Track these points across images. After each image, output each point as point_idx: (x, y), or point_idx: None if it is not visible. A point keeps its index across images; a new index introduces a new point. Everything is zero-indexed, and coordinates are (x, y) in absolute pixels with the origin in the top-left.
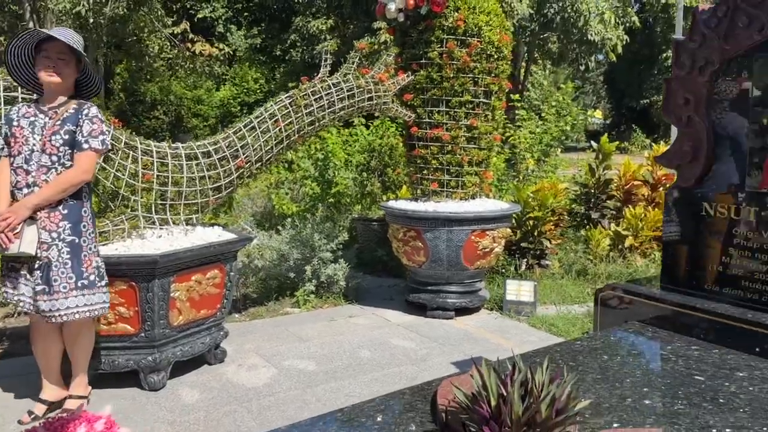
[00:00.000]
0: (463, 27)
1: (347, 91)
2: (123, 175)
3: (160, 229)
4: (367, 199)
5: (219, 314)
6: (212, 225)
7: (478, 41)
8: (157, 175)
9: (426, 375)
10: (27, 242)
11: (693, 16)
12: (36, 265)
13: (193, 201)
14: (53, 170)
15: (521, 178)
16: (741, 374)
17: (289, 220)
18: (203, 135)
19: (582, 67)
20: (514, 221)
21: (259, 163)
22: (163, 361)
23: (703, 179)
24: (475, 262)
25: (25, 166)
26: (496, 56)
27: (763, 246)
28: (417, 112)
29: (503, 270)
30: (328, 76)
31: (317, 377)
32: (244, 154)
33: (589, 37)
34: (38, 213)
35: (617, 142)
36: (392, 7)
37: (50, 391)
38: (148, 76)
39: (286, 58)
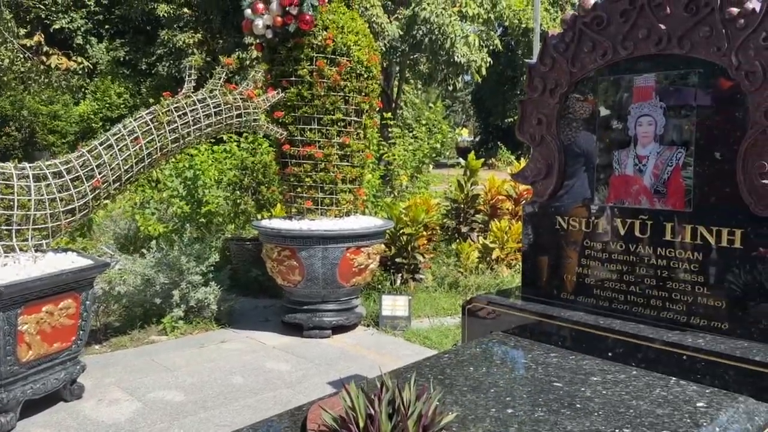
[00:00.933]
0: (332, 46)
1: (214, 107)
2: None
3: (5, 256)
4: (241, 218)
5: (74, 347)
6: (66, 250)
7: (347, 60)
8: (1, 198)
9: (301, 398)
10: None
11: (543, 41)
12: None
13: (43, 225)
14: None
15: (396, 194)
16: (595, 378)
17: (155, 242)
18: (61, 152)
19: (450, 87)
20: (388, 237)
21: (118, 183)
22: (12, 401)
23: (557, 194)
24: (351, 279)
25: None
26: (365, 75)
27: (611, 256)
28: (289, 129)
29: (379, 286)
30: (193, 92)
31: (185, 408)
32: (100, 174)
33: (456, 58)
34: None
35: (484, 159)
36: (260, 23)
37: None
38: None
39: (152, 72)
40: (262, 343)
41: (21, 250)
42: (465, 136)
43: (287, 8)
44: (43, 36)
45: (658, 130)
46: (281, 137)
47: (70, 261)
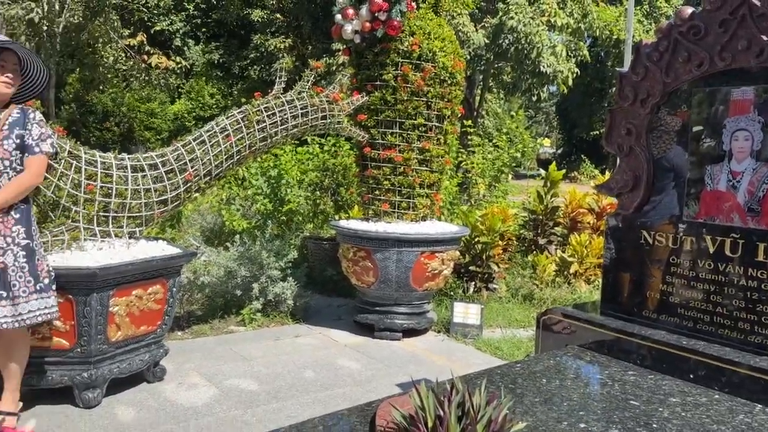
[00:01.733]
0: (418, 51)
1: (301, 108)
2: (65, 184)
3: (102, 241)
4: (320, 218)
5: (159, 331)
6: (156, 239)
7: (432, 66)
8: (101, 186)
9: (370, 396)
10: None
11: (636, 49)
12: None
13: (138, 214)
14: (5, 174)
15: (473, 202)
16: (674, 400)
17: (238, 236)
18: (155, 148)
19: (534, 98)
20: (463, 244)
21: (208, 178)
22: (99, 377)
23: (643, 208)
24: (424, 284)
25: None
26: (449, 81)
27: (698, 275)
28: (370, 132)
29: (451, 292)
30: (282, 93)
31: (259, 397)
32: (192, 168)
33: (542, 68)
34: None
35: (565, 170)
36: (348, 28)
37: None
38: (101, 87)
39: (244, 75)
40: (335, 341)
41: (116, 236)
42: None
43: (376, 14)
44: (145, 36)
45: (755, 145)
46: (363, 140)
47: (160, 249)
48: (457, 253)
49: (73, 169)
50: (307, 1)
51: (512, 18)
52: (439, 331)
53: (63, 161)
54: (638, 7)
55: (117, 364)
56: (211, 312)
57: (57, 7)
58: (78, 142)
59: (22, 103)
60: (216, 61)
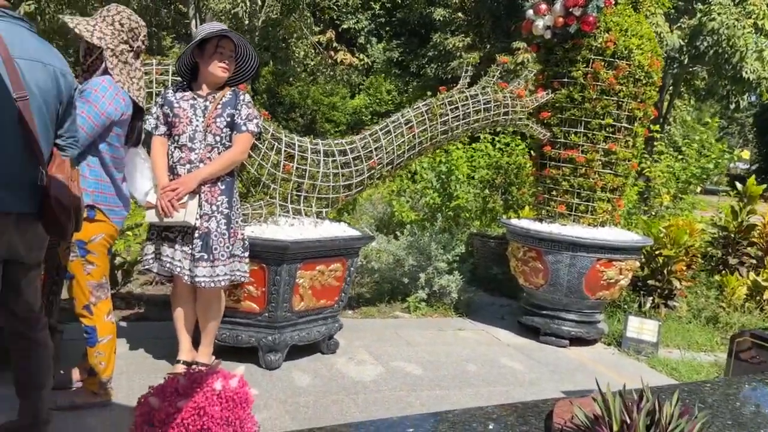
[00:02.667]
0: (613, 48)
1: (484, 103)
2: (266, 164)
3: (293, 218)
4: (488, 215)
5: (336, 306)
6: (339, 221)
7: (627, 64)
8: (297, 168)
9: (534, 399)
10: (189, 213)
11: None
12: (196, 235)
13: (325, 195)
14: (216, 149)
15: (653, 213)
16: None
17: (408, 226)
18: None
19: (732, 106)
20: (642, 256)
21: (390, 166)
22: (282, 342)
23: None
24: (597, 292)
25: (189, 144)
26: (644, 81)
27: None
28: (552, 131)
29: (625, 305)
30: (466, 88)
31: (422, 382)
32: (377, 156)
33: (743, 74)
34: (201, 187)
35: (765, 186)
36: (540, 24)
37: (186, 354)
38: (290, 80)
39: (420, 73)
40: (497, 339)
41: (305, 214)
42: (743, 160)
43: (571, 9)
44: (334, 34)
45: None
46: (543, 138)
47: (342, 230)
48: (637, 263)
49: (274, 150)
50: (489, 0)
51: (714, 19)
52: (609, 344)
53: (266, 142)
54: None
55: (297, 332)
56: (378, 296)
57: (259, 3)
58: (279, 126)
59: (234, 86)
60: (395, 59)
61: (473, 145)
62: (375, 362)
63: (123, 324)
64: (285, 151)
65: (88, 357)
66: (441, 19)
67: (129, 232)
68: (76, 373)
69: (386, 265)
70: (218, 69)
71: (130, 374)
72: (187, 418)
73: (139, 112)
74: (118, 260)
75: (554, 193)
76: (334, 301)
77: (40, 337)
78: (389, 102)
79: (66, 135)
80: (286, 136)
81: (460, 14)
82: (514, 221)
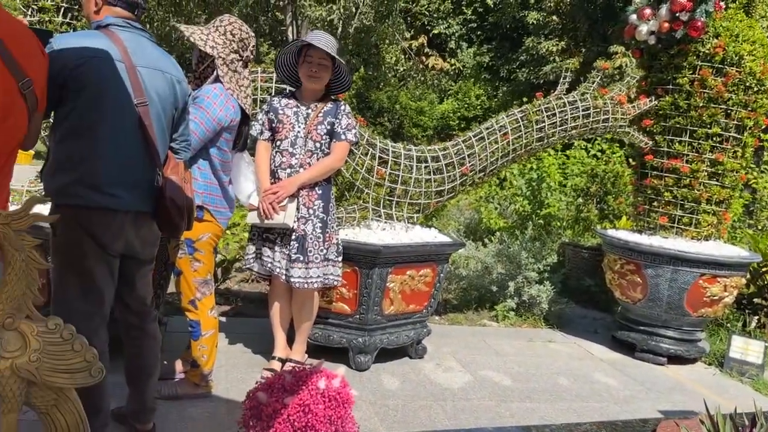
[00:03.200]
0: (722, 54)
1: (583, 110)
2: (361, 169)
3: (385, 222)
4: (581, 225)
5: (425, 311)
6: (429, 227)
7: (737, 71)
8: (389, 173)
9: (629, 417)
10: (288, 216)
11: None
12: (293, 237)
13: (417, 201)
14: (315, 154)
15: (759, 227)
16: None
17: (498, 234)
18: (420, 145)
19: None
20: (749, 273)
21: (482, 173)
22: (371, 345)
23: None
24: (699, 309)
25: (290, 149)
26: (755, 89)
27: None
28: (655, 139)
29: (728, 324)
30: (564, 94)
31: (512, 393)
32: (469, 163)
33: None
34: (300, 191)
35: None
36: (644, 29)
37: (281, 350)
38: (380, 85)
39: (511, 78)
40: (590, 353)
41: (397, 219)
42: None
43: (677, 14)
44: (425, 39)
45: None
46: (645, 147)
47: (433, 236)
48: (743, 280)
49: (368, 155)
50: (585, 3)
51: None
52: (709, 364)
53: (361, 147)
54: None
55: (387, 335)
56: (465, 303)
57: (353, 10)
58: (374, 132)
59: (335, 96)
60: (485, 64)
61: (566, 152)
62: (463, 370)
63: (222, 319)
64: (379, 156)
65: (191, 350)
66: (534, 22)
67: (228, 231)
68: (179, 365)
69: (474, 272)
70: (306, 77)
71: (228, 368)
72: (293, 415)
73: (245, 118)
74: (218, 258)
75: (656, 203)
76: (423, 306)
77: (150, 329)
78: (478, 107)
79: (180, 139)
80: (380, 142)
81: (554, 18)
82: (611, 232)
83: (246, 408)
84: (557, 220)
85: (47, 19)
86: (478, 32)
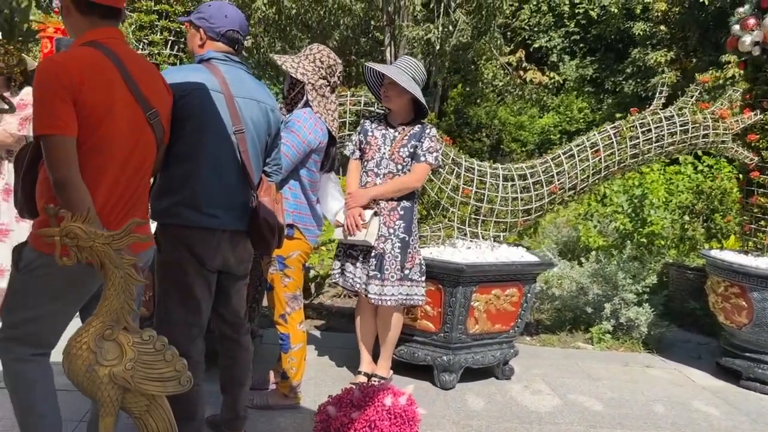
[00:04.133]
0: None
1: (680, 125)
2: (446, 187)
3: (470, 241)
4: (686, 244)
5: (512, 332)
6: (517, 245)
7: None
8: (475, 192)
9: None
10: (370, 234)
11: None
12: (372, 254)
13: (503, 220)
14: (397, 176)
15: None
16: None
17: (593, 253)
18: (520, 160)
19: None
20: None
21: (572, 192)
22: (456, 363)
23: None
24: None
25: (375, 170)
26: None
27: None
28: (761, 155)
29: None
30: (661, 109)
31: (603, 419)
32: (558, 181)
33: None
34: (382, 210)
35: None
36: (747, 40)
37: (367, 365)
38: (478, 101)
39: (617, 90)
40: (691, 380)
41: (482, 238)
42: None
43: None
44: (523, 53)
45: None
46: (750, 163)
47: (520, 255)
48: None
49: (453, 174)
50: (696, 11)
51: None
52: None
53: (446, 167)
54: None
55: (472, 354)
56: (559, 324)
57: (450, 28)
58: (460, 150)
59: (423, 119)
60: (589, 76)
61: (671, 167)
62: (552, 393)
63: (314, 333)
64: (464, 175)
65: (281, 362)
66: (641, 33)
67: (323, 247)
68: (271, 376)
69: (568, 293)
70: (382, 97)
71: (317, 381)
72: (359, 430)
73: (333, 141)
74: (311, 273)
75: (762, 223)
76: (509, 326)
77: (243, 341)
78: (581, 120)
79: (272, 163)
80: (465, 160)
81: (662, 27)
82: (714, 252)
83: (317, 421)
84: (661, 238)
85: (156, 52)
86: (581, 44)
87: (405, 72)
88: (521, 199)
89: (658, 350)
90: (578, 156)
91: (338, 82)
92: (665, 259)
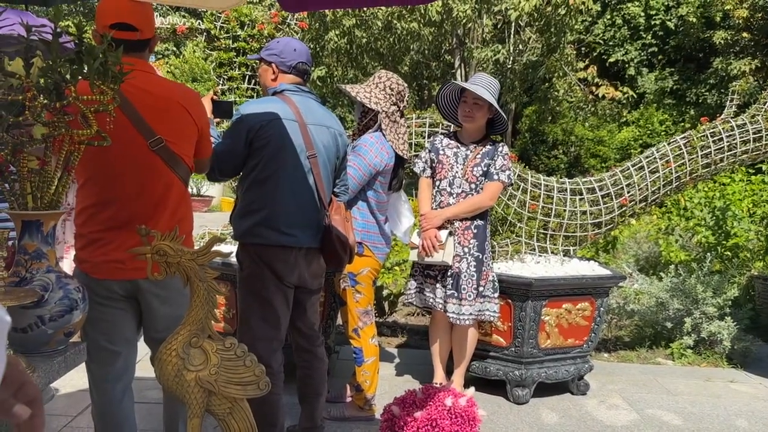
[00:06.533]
0: None
1: (753, 133)
2: (513, 203)
3: (539, 255)
4: None
5: (585, 346)
6: (589, 260)
7: None
8: (542, 206)
9: None
10: (447, 254)
11: None
12: (449, 273)
13: (572, 234)
14: (470, 195)
15: None
16: None
17: (673, 267)
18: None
19: None
20: None
21: (643, 203)
22: (529, 378)
23: None
24: None
25: (448, 189)
26: None
27: None
28: None
29: None
30: (732, 117)
31: None
32: (628, 193)
33: None
34: (456, 229)
35: None
36: None
37: (441, 379)
38: (551, 118)
39: (699, 101)
40: None
41: (552, 252)
42: None
43: None
44: (596, 68)
45: None
46: None
47: (591, 269)
48: None
49: (520, 190)
50: None
51: None
52: None
53: (513, 183)
54: None
55: (545, 369)
56: (638, 340)
57: (520, 47)
58: (527, 167)
59: (495, 137)
60: (669, 88)
61: (756, 177)
62: (628, 408)
63: (390, 350)
64: (531, 191)
65: (356, 375)
66: (722, 42)
67: (396, 267)
68: (347, 390)
69: (647, 308)
70: (462, 116)
71: (391, 395)
72: (422, 428)
73: (401, 162)
74: (385, 292)
75: None
76: (582, 341)
77: (318, 352)
78: (662, 133)
79: (340, 183)
80: (531, 176)
81: (745, 35)
82: None
83: (382, 420)
84: (745, 251)
85: (235, 86)
86: (660, 56)
87: (488, 90)
88: (590, 213)
89: (742, 365)
90: (648, 167)
91: (406, 106)
92: (750, 272)
